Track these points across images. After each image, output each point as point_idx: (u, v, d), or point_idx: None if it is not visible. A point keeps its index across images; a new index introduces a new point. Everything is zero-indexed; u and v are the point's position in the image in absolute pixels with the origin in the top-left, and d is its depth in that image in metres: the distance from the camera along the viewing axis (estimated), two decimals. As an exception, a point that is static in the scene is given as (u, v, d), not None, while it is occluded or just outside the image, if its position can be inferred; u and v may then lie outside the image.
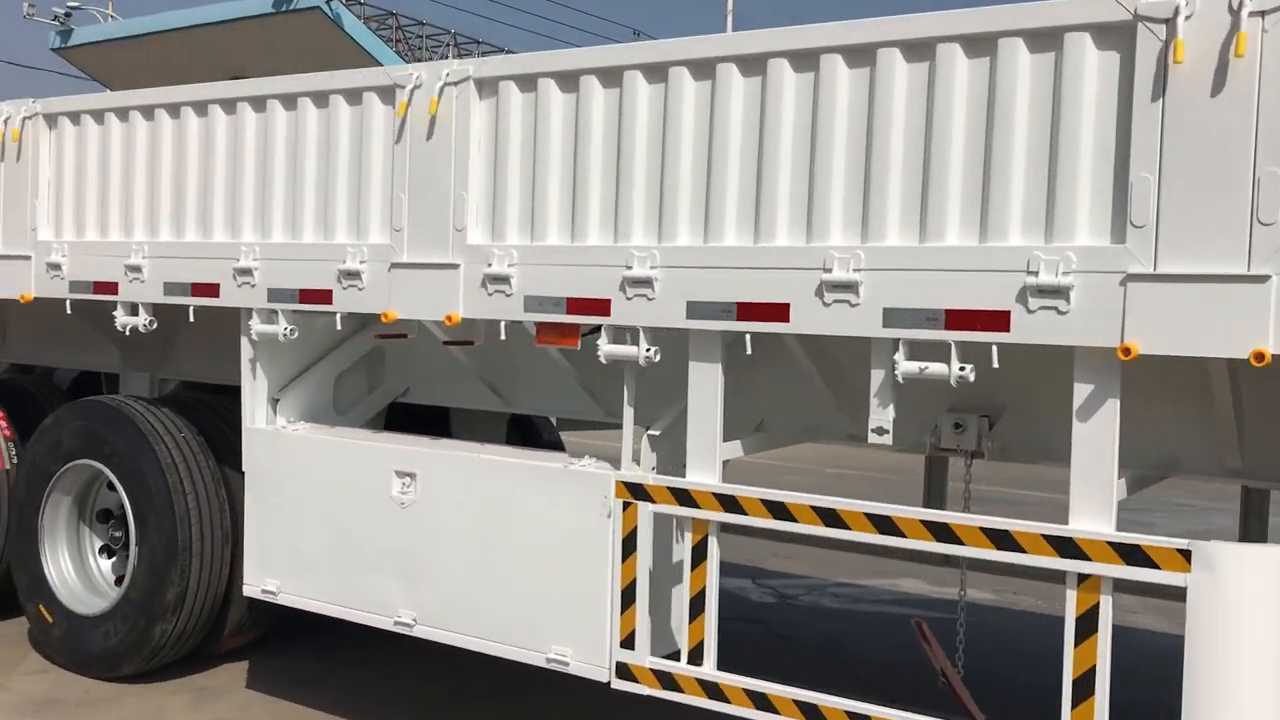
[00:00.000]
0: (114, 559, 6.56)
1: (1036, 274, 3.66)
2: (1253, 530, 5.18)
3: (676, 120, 4.38)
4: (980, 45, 3.82)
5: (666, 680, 4.51)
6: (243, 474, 5.74)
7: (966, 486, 4.72)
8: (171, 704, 5.94)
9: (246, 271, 5.49)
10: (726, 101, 4.27)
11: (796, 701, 4.19)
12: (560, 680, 4.82)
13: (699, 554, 4.44)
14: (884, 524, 4.02)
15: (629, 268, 4.45)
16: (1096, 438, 3.69)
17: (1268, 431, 4.26)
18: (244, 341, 5.66)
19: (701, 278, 4.32)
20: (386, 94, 5.08)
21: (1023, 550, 3.79)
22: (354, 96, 5.20)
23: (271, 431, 5.65)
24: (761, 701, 4.26)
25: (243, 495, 5.75)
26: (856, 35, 4.02)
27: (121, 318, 6.05)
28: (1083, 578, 3.70)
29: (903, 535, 4.00)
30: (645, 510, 4.53)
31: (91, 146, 6.17)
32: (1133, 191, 3.54)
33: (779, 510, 4.25)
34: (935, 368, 3.89)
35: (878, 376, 4.10)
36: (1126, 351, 3.52)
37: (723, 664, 4.45)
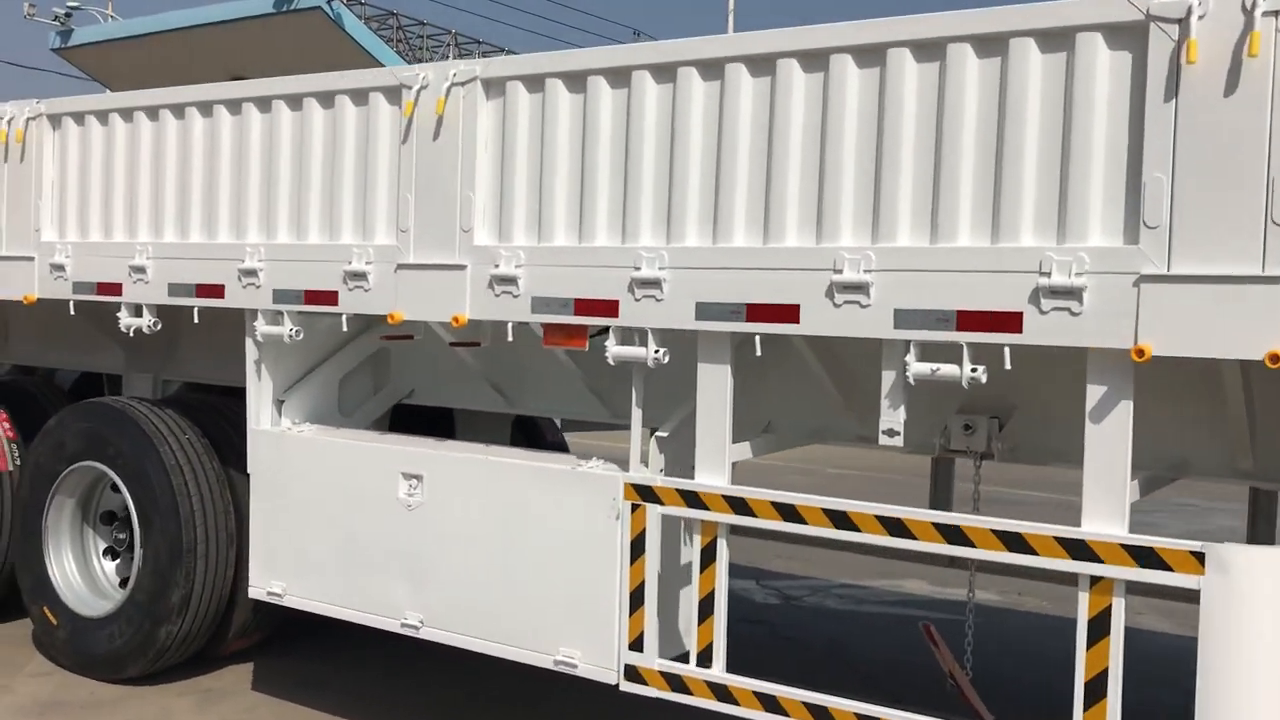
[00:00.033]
0: (118, 561, 6.55)
1: (1049, 275, 3.65)
2: (1261, 532, 5.17)
3: (685, 121, 4.36)
4: (991, 45, 3.80)
5: (675, 682, 4.49)
6: (247, 476, 5.73)
7: (976, 488, 4.70)
8: (177, 706, 5.92)
9: (251, 272, 5.47)
10: (735, 102, 4.26)
11: (806, 704, 4.17)
12: (573, 684, 4.81)
13: (708, 556, 4.43)
14: (895, 526, 4.01)
15: (637, 269, 4.44)
16: (1109, 439, 3.67)
17: (1280, 433, 4.25)
18: (249, 343, 5.64)
19: (710, 279, 4.31)
20: (393, 94, 5.07)
21: (1035, 553, 3.78)
22: (360, 97, 5.18)
23: (277, 433, 5.64)
24: (771, 704, 4.24)
25: (247, 497, 5.74)
26: (866, 35, 4.01)
27: (126, 319, 6.03)
28: (1095, 580, 3.68)
29: (914, 538, 3.98)
30: (654, 512, 4.51)
31: (96, 147, 6.15)
32: (1146, 192, 3.52)
33: (789, 513, 4.23)
34: (947, 369, 3.87)
35: (888, 378, 4.09)
36: (1140, 353, 3.51)
37: (729, 666, 4.43)
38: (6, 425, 6.98)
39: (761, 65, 4.21)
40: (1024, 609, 8.36)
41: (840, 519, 4.13)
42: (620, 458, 4.80)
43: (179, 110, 5.80)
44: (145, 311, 5.98)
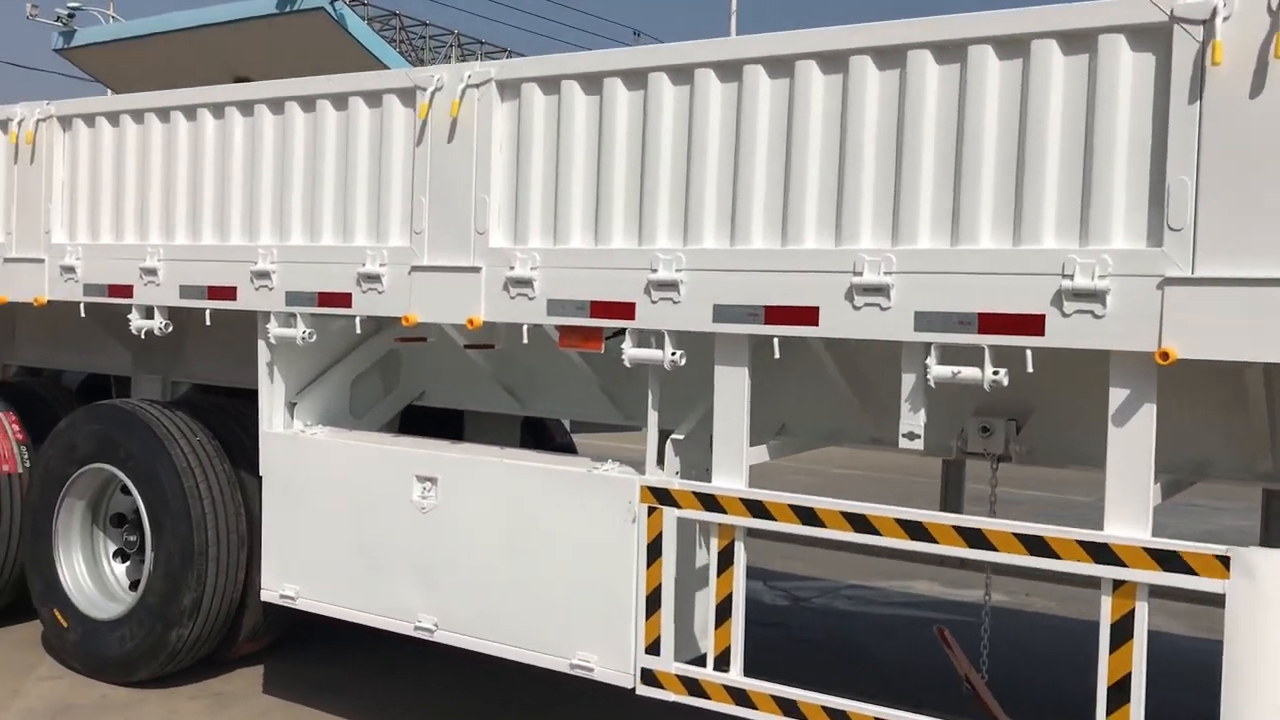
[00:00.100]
0: (128, 563, 6.53)
1: (1072, 277, 3.63)
2: (1275, 534, 5.16)
3: (702, 122, 4.34)
4: (1013, 47, 3.79)
5: (692, 686, 4.47)
6: (258, 478, 5.71)
7: (993, 490, 4.68)
8: (188, 709, 5.91)
9: (264, 274, 5.45)
10: (753, 104, 4.24)
11: (826, 708, 4.16)
12: (589, 688, 4.79)
13: (725, 559, 4.41)
14: (916, 529, 3.99)
15: (654, 270, 4.42)
16: (1132, 443, 3.66)
17: (1301, 435, 4.24)
18: (261, 345, 5.63)
19: (728, 281, 4.29)
20: (407, 96, 5.05)
21: (1057, 556, 3.76)
22: (374, 99, 5.16)
23: (290, 436, 5.62)
24: (790, 708, 4.23)
25: (258, 499, 5.72)
26: (886, 37, 3.99)
27: (136, 321, 6.01)
28: (1118, 584, 3.67)
29: (935, 541, 3.97)
30: (670, 515, 4.50)
31: (106, 148, 6.13)
32: (1169, 194, 3.51)
33: (808, 516, 4.21)
34: (968, 372, 3.86)
35: (909, 381, 4.07)
36: (1165, 356, 3.49)
37: (745, 669, 4.42)
38: (16, 427, 6.96)
39: (780, 67, 4.20)
40: (1032, 609, 8.35)
41: (860, 522, 4.11)
42: (632, 459, 4.78)
43: (190, 112, 5.78)
44: (156, 314, 5.97)
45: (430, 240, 4.97)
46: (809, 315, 4.12)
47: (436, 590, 5.04)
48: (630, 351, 4.53)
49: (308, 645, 6.71)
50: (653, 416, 4.65)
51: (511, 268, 4.76)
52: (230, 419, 6.31)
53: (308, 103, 5.38)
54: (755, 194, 4.26)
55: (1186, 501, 12.05)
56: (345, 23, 14.92)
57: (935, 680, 5.65)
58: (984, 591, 4.90)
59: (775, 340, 4.23)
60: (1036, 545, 3.80)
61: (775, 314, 4.20)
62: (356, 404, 6.01)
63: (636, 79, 4.51)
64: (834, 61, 4.10)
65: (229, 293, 5.60)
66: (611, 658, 4.62)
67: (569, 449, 7.50)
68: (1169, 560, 3.58)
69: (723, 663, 4.42)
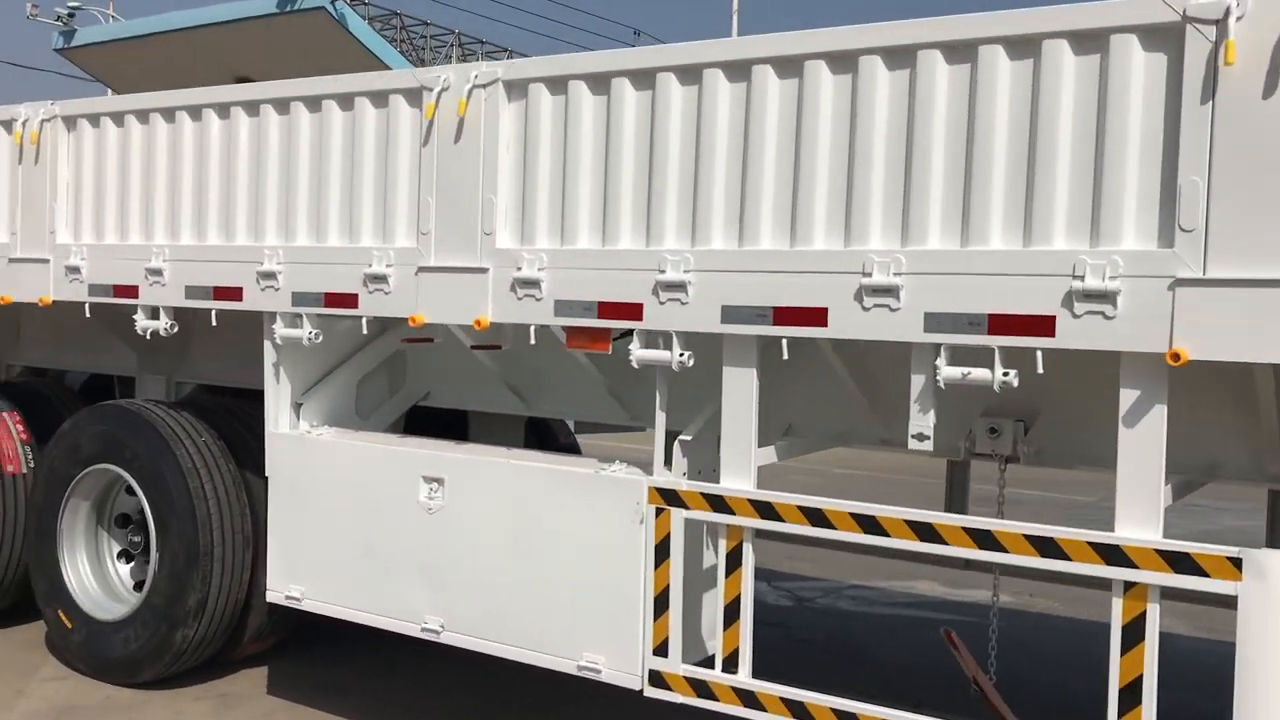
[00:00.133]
0: (132, 564, 6.52)
1: (1082, 278, 3.62)
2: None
3: (711, 122, 4.33)
4: (1023, 47, 3.78)
5: (700, 688, 4.46)
6: (263, 478, 5.70)
7: (1001, 491, 4.68)
8: (193, 710, 5.90)
9: (270, 275, 5.44)
10: (762, 104, 4.23)
11: (835, 710, 4.15)
12: (597, 690, 4.79)
13: (734, 560, 4.40)
14: (925, 531, 3.98)
15: (662, 271, 4.41)
16: (1143, 444, 3.65)
17: (1311, 436, 4.23)
18: (267, 346, 5.62)
19: (736, 282, 4.28)
20: (413, 97, 5.04)
21: (1068, 558, 3.75)
22: (380, 99, 5.15)
23: (296, 436, 5.61)
24: (799, 710, 4.22)
25: (263, 500, 5.71)
26: (896, 37, 3.98)
27: (142, 321, 6.00)
28: (1129, 585, 3.66)
29: (945, 542, 3.96)
30: (678, 516, 4.49)
31: (111, 149, 6.12)
32: (1181, 195, 3.50)
33: (816, 517, 4.21)
34: (978, 373, 3.85)
35: (918, 382, 4.06)
36: (1176, 357, 3.48)
37: (753, 671, 4.40)
38: (20, 428, 6.95)
39: (789, 67, 4.19)
40: (1035, 610, 8.35)
41: (869, 523, 4.10)
42: (638, 460, 4.77)
43: (196, 112, 5.77)
44: (162, 314, 5.95)
45: (437, 241, 4.96)
46: (818, 316, 4.11)
47: (443, 591, 5.03)
48: (638, 352, 4.52)
49: (313, 646, 6.70)
50: (660, 417, 4.64)
51: (519, 268, 4.75)
52: (236, 419, 6.30)
53: (313, 103, 5.37)
54: (764, 194, 4.25)
55: (1187, 501, 12.07)
56: (346, 22, 14.89)
57: (936, 680, 5.65)
58: (992, 593, 4.90)
59: (784, 341, 4.22)
60: (1047, 547, 3.79)
61: (784, 315, 4.19)
62: (362, 404, 5.99)
63: (644, 79, 4.50)
64: (843, 61, 4.09)
65: (235, 293, 5.59)
66: (619, 659, 4.61)
67: (573, 449, 7.49)
68: (1180, 562, 3.57)
69: (731, 664, 4.41)
